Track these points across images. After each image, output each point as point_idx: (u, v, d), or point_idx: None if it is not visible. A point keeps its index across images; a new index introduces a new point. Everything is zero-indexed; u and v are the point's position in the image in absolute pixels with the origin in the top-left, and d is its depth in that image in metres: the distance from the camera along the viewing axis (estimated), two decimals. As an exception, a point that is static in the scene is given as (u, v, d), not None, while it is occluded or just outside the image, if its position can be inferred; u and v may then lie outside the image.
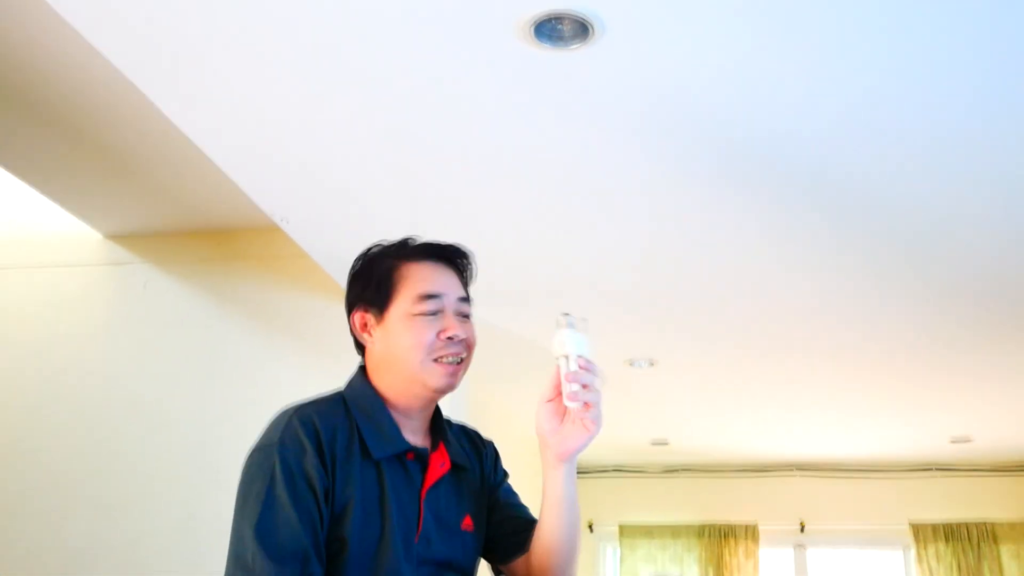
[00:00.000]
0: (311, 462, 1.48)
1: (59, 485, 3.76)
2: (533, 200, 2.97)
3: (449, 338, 1.61)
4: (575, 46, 2.10)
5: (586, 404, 1.58)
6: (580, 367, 1.58)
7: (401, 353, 1.61)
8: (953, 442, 6.34)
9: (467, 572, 1.66)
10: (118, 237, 4.07)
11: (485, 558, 1.77)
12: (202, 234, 4.02)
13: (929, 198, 2.86)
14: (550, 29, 2.05)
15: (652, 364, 4.66)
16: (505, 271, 3.46)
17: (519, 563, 1.73)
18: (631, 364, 4.64)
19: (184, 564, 3.61)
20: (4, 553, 3.69)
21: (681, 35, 2.08)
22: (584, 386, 1.58)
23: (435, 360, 1.60)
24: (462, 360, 1.64)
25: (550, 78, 2.27)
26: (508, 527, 1.75)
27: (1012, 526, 6.84)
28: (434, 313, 1.62)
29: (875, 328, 4.09)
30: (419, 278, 1.64)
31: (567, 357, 1.59)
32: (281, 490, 1.44)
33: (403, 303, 1.62)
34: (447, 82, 2.31)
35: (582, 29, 2.04)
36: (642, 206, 2.98)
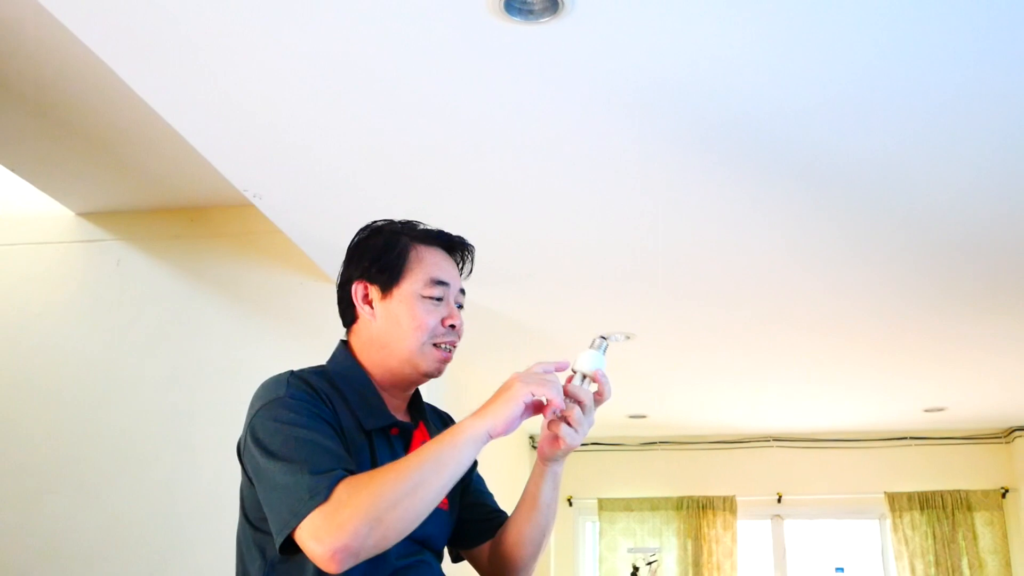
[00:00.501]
0: (321, 408, 1.51)
1: (36, 464, 3.75)
2: (508, 176, 2.96)
3: (451, 326, 1.65)
4: (545, 20, 2.11)
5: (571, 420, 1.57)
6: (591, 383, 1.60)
7: (403, 332, 1.62)
8: (927, 411, 6.41)
9: (439, 552, 1.67)
10: (91, 215, 4.05)
11: (448, 543, 1.79)
12: (175, 211, 4.00)
13: (903, 166, 2.87)
14: (520, 3, 2.06)
15: (628, 338, 4.67)
16: (481, 248, 3.45)
17: (483, 550, 1.78)
18: (608, 338, 4.65)
19: (164, 541, 3.61)
20: (-20, 533, 3.68)
21: (652, 9, 2.08)
22: (580, 404, 1.57)
23: (435, 345, 1.63)
24: (453, 349, 1.67)
25: (523, 53, 2.26)
26: (477, 512, 1.79)
27: (986, 494, 6.93)
28: (440, 299, 1.65)
29: (850, 299, 4.12)
30: (432, 263, 1.67)
31: (583, 376, 1.60)
32: (303, 429, 1.45)
33: (413, 284, 1.64)
34: (421, 58, 2.30)
35: (552, 3, 2.05)
36: (618, 180, 2.98)
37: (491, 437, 1.45)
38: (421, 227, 1.73)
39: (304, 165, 2.92)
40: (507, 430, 1.47)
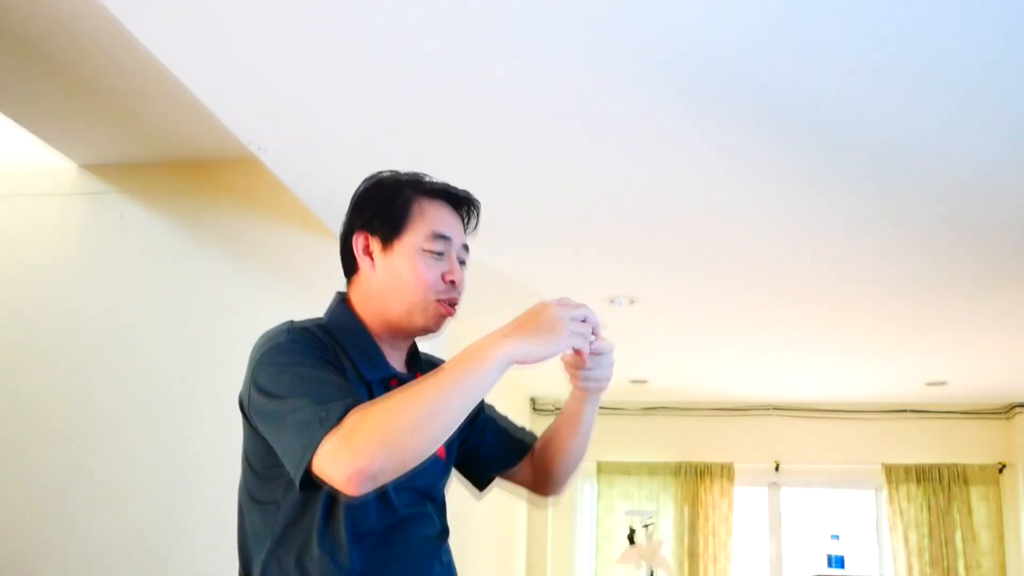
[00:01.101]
0: (324, 351, 1.51)
1: (35, 417, 3.76)
2: (515, 136, 2.94)
3: (452, 281, 1.64)
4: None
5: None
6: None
7: (403, 286, 1.61)
8: (929, 385, 6.41)
9: (440, 501, 1.68)
10: (94, 167, 4.02)
11: (477, 476, 1.87)
12: (179, 165, 3.98)
13: (910, 138, 2.85)
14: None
15: (632, 302, 4.67)
16: (485, 207, 3.43)
17: (522, 467, 1.86)
18: (611, 302, 4.65)
19: (163, 495, 3.63)
20: (-17, 483, 3.69)
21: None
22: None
23: (436, 301, 1.62)
24: (454, 305, 1.66)
25: (530, 10, 2.23)
26: (504, 441, 1.86)
27: (983, 468, 6.96)
28: (441, 254, 1.63)
29: (854, 271, 4.11)
30: (434, 216, 1.65)
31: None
32: (308, 368, 1.45)
33: (415, 237, 1.62)
34: (429, 14, 2.27)
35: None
36: (624, 141, 2.96)
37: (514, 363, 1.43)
38: (427, 180, 1.70)
39: (309, 120, 2.90)
40: (533, 362, 1.45)
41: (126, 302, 3.87)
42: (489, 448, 1.84)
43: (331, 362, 1.50)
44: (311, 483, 1.37)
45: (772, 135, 2.87)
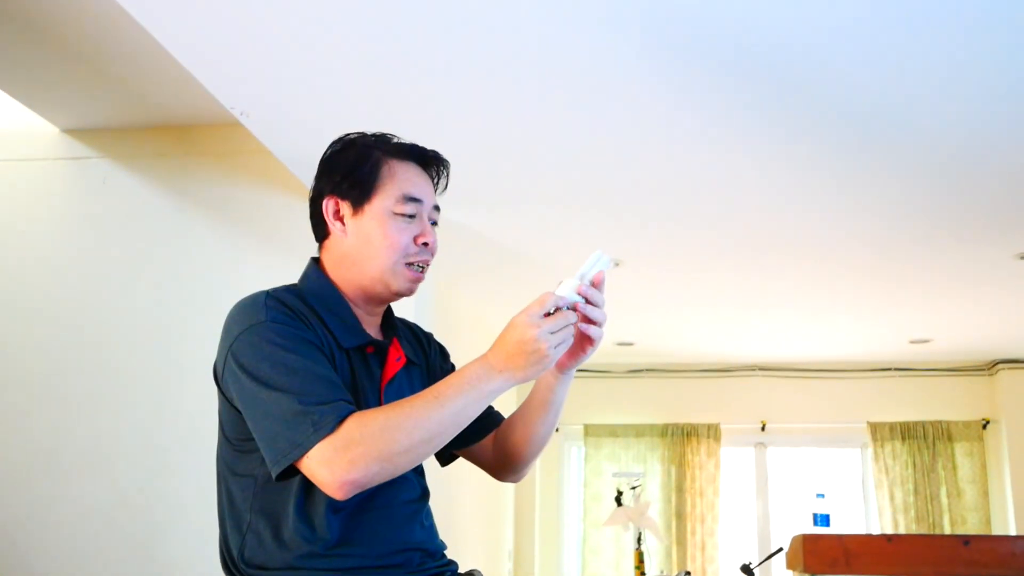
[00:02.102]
0: (305, 331, 1.51)
1: (22, 381, 3.75)
2: (498, 97, 2.93)
3: (424, 244, 1.62)
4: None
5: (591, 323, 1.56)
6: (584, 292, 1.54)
7: (374, 250, 1.60)
8: (913, 343, 6.45)
9: (419, 467, 1.68)
10: (76, 132, 3.99)
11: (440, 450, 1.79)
12: (162, 129, 3.95)
13: (890, 94, 2.85)
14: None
15: (617, 264, 4.67)
16: (469, 169, 3.43)
17: (484, 446, 1.81)
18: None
19: (149, 459, 3.64)
20: (-31, 449, 3.69)
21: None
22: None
23: (407, 264, 1.61)
24: (425, 268, 1.64)
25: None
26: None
27: (967, 425, 7.02)
28: (412, 216, 1.62)
29: (838, 228, 4.11)
30: (404, 178, 1.64)
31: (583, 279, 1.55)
32: (293, 355, 1.45)
33: (385, 200, 1.61)
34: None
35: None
36: (606, 101, 2.95)
37: None
38: (395, 140, 1.69)
39: (292, 83, 2.88)
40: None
41: (109, 266, 3.85)
42: None
43: (313, 342, 1.50)
44: (286, 473, 1.41)
45: (756, 93, 2.87)
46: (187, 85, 3.32)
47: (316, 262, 1.69)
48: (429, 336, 1.87)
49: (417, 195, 1.63)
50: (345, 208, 1.63)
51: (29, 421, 3.70)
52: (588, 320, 1.54)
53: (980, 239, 4.19)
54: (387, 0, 2.38)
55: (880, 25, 2.44)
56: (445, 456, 1.86)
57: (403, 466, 1.41)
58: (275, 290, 1.59)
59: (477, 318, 5.39)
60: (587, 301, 1.52)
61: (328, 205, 1.65)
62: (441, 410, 1.41)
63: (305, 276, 1.67)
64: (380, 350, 1.65)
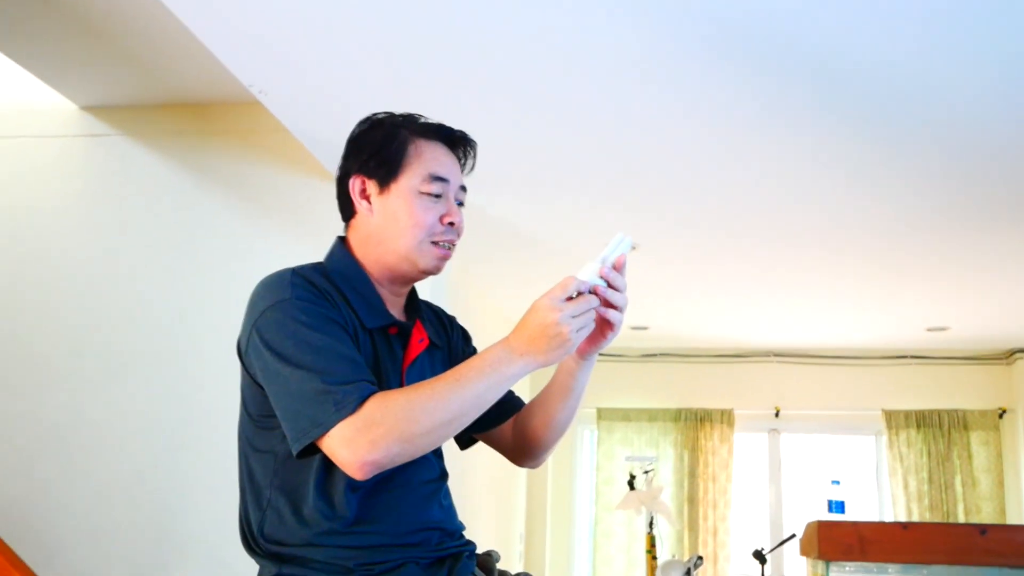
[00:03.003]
0: (329, 309, 1.51)
1: (36, 359, 3.77)
2: (517, 81, 2.91)
3: (450, 223, 1.62)
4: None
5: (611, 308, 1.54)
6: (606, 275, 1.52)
7: (400, 229, 1.60)
8: (929, 330, 6.42)
9: (438, 448, 1.68)
10: (94, 109, 4.00)
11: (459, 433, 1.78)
12: (180, 107, 3.95)
13: (906, 79, 2.82)
14: None
15: (633, 249, 4.64)
16: (487, 153, 3.41)
17: (503, 431, 1.80)
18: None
19: (166, 436, 3.66)
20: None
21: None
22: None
23: (433, 243, 1.61)
24: (452, 247, 1.64)
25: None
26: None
27: (983, 414, 6.99)
28: (438, 196, 1.62)
29: (854, 215, 4.09)
30: (431, 157, 1.63)
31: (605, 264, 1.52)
32: (317, 333, 1.46)
33: (412, 179, 1.61)
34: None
35: None
36: (625, 89, 2.93)
37: None
38: (422, 120, 1.68)
39: (310, 62, 2.87)
40: None
41: (127, 244, 3.86)
42: None
43: (338, 321, 1.50)
44: (306, 451, 1.42)
45: (772, 78, 2.84)
46: (206, 63, 3.32)
47: (342, 241, 1.68)
48: (452, 319, 1.86)
49: (444, 174, 1.62)
50: (372, 187, 1.63)
51: (46, 398, 3.72)
52: (609, 304, 1.52)
53: (998, 226, 4.15)
54: (407, -21, 2.37)
55: (894, 12, 2.42)
56: (464, 440, 1.85)
57: (423, 447, 1.41)
58: (301, 267, 1.58)
59: (493, 302, 5.38)
60: (608, 285, 1.51)
61: (355, 184, 1.65)
62: (462, 392, 1.41)
63: (331, 254, 1.67)
64: (403, 331, 1.65)
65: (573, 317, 1.43)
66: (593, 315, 1.47)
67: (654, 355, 7.51)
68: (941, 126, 3.14)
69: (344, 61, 2.85)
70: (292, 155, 3.78)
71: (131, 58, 3.55)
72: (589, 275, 1.49)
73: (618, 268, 1.52)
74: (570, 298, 1.45)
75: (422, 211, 1.60)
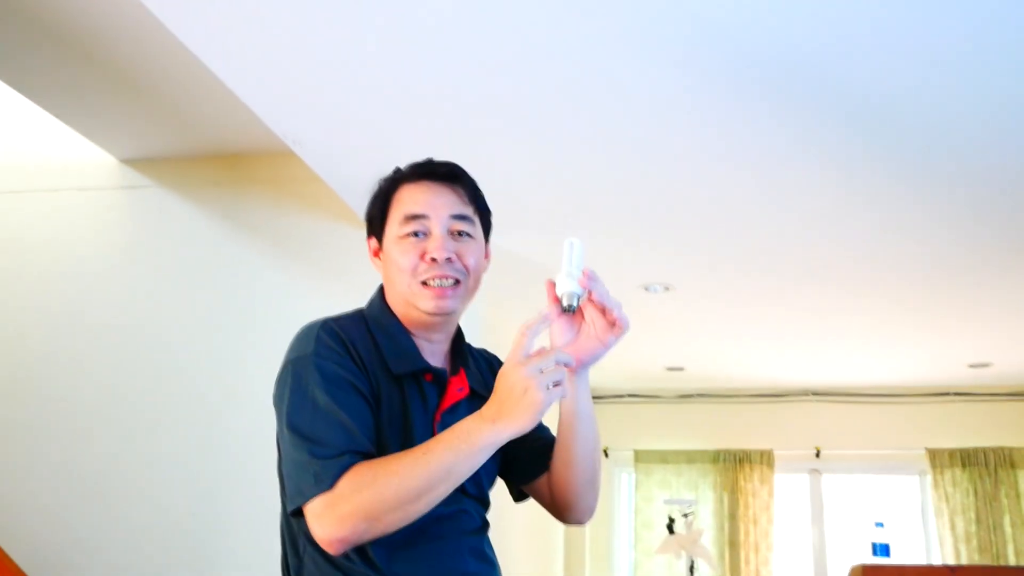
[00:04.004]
0: (348, 366, 1.50)
1: (78, 408, 3.81)
2: (548, 124, 2.93)
3: (432, 259, 1.57)
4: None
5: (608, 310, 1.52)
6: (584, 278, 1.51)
7: (392, 279, 1.61)
8: (971, 367, 6.32)
9: (484, 498, 1.66)
10: (133, 161, 4.07)
11: (506, 479, 1.77)
12: (216, 158, 4.01)
13: (949, 118, 2.81)
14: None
15: (667, 289, 4.64)
16: (521, 195, 3.43)
17: (542, 482, 1.73)
18: (646, 289, 4.63)
19: (203, 484, 3.67)
20: (26, 474, 3.75)
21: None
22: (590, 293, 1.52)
23: (423, 283, 1.58)
24: (457, 282, 1.59)
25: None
26: (533, 447, 1.72)
27: (1030, 451, 6.85)
28: (418, 234, 1.59)
29: (890, 253, 4.06)
30: (406, 199, 1.62)
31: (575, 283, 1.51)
32: (323, 395, 1.46)
33: (392, 226, 1.62)
34: (465, 6, 2.26)
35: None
36: (659, 129, 2.94)
37: None
38: (409, 164, 1.67)
39: (343, 112, 2.91)
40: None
41: (165, 294, 3.91)
42: (519, 454, 1.71)
43: (353, 380, 1.49)
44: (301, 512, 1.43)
45: (808, 118, 2.84)
46: (240, 114, 3.37)
47: (381, 288, 1.69)
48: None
49: (417, 211, 1.59)
50: (376, 244, 1.68)
51: (83, 447, 3.75)
52: (601, 309, 1.51)
53: (1041, 262, 4.10)
54: (436, 32, 2.40)
55: (929, 53, 2.41)
56: (516, 492, 1.80)
57: (394, 523, 1.38)
58: (335, 318, 1.59)
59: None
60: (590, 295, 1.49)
61: (369, 246, 1.70)
62: (428, 467, 1.37)
63: (370, 301, 1.68)
64: (439, 378, 1.62)
65: (540, 371, 1.37)
66: (564, 371, 1.41)
67: (691, 396, 7.45)
68: (982, 164, 3.12)
69: (376, 110, 2.88)
70: (326, 204, 3.81)
71: (168, 111, 3.62)
72: (572, 286, 1.48)
73: (587, 276, 1.51)
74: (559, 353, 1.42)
75: (401, 255, 1.59)
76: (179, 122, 3.71)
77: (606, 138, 3.04)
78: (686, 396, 7.44)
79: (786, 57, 2.48)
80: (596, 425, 1.65)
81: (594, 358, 1.55)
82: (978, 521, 6.70)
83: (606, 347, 1.54)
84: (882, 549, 6.46)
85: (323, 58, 2.57)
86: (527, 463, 1.73)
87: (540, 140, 3.06)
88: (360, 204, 3.47)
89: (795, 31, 2.35)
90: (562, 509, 1.72)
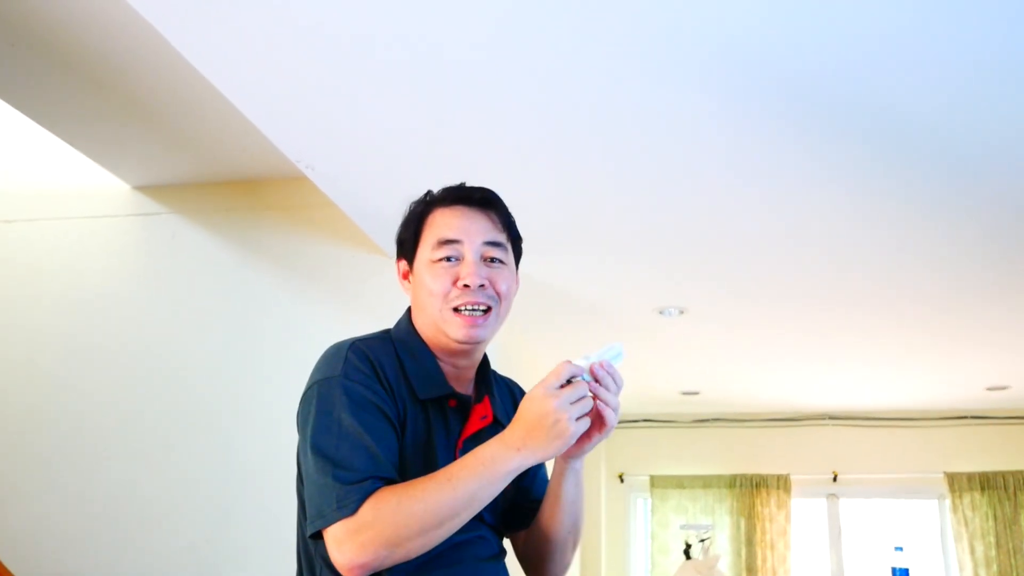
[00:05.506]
0: (376, 389, 1.49)
1: (93, 434, 3.80)
2: (564, 148, 2.92)
3: (465, 285, 1.55)
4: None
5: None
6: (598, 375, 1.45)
7: (422, 303, 1.59)
8: (990, 390, 6.27)
9: (496, 526, 1.64)
10: (146, 188, 4.08)
11: (506, 526, 1.75)
12: (229, 184, 4.02)
13: (968, 142, 2.79)
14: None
15: (682, 312, 4.62)
16: (535, 219, 3.42)
17: (519, 536, 1.74)
18: (661, 313, 4.61)
19: (216, 512, 3.65)
20: (41, 500, 3.74)
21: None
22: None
23: (454, 309, 1.56)
24: (488, 309, 1.57)
25: (583, 11, 2.22)
26: (521, 498, 1.72)
27: (1049, 475, 6.78)
28: (450, 259, 1.57)
29: (912, 277, 4.03)
30: (440, 223, 1.60)
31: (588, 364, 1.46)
32: (349, 417, 1.44)
33: (424, 250, 1.60)
34: (471, 30, 2.27)
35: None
36: (674, 153, 2.93)
37: None
38: (442, 189, 1.66)
39: (357, 138, 2.90)
40: None
41: (179, 321, 3.90)
42: (514, 500, 1.70)
43: (378, 404, 1.48)
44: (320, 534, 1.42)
45: (824, 141, 2.83)
46: (254, 140, 3.38)
47: (409, 310, 1.68)
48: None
49: (451, 236, 1.58)
50: (407, 267, 1.66)
51: (100, 474, 3.74)
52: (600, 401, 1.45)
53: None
54: (454, 57, 2.40)
55: (948, 76, 2.40)
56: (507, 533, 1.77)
57: (416, 549, 1.36)
58: (363, 339, 1.58)
59: (551, 365, 5.35)
60: (597, 381, 1.44)
61: (399, 267, 1.68)
62: (452, 494, 1.36)
63: (397, 323, 1.67)
64: (463, 405, 1.60)
65: (571, 404, 1.37)
66: (590, 403, 1.40)
67: (706, 420, 7.40)
68: (1000, 190, 3.10)
69: (390, 135, 2.88)
70: (341, 229, 3.81)
71: (181, 137, 3.63)
72: (582, 365, 1.44)
73: (605, 369, 1.46)
74: (568, 383, 1.39)
75: (432, 279, 1.57)
76: (192, 148, 3.72)
77: (624, 163, 3.03)
78: (702, 420, 7.40)
79: (806, 80, 2.47)
80: (581, 513, 1.65)
81: (580, 451, 1.53)
82: (998, 545, 6.64)
83: (591, 443, 1.50)
84: (902, 573, 6.38)
85: (336, 83, 2.57)
86: (515, 515, 1.72)
87: (557, 163, 3.05)
88: (374, 229, 3.50)
89: (814, 57, 2.34)
90: (528, 566, 1.74)
